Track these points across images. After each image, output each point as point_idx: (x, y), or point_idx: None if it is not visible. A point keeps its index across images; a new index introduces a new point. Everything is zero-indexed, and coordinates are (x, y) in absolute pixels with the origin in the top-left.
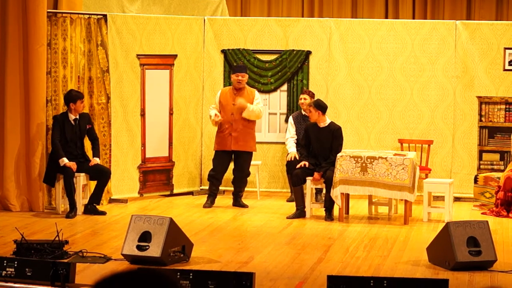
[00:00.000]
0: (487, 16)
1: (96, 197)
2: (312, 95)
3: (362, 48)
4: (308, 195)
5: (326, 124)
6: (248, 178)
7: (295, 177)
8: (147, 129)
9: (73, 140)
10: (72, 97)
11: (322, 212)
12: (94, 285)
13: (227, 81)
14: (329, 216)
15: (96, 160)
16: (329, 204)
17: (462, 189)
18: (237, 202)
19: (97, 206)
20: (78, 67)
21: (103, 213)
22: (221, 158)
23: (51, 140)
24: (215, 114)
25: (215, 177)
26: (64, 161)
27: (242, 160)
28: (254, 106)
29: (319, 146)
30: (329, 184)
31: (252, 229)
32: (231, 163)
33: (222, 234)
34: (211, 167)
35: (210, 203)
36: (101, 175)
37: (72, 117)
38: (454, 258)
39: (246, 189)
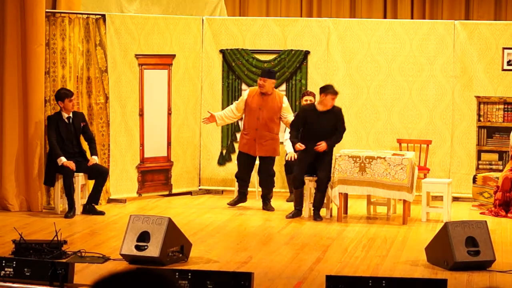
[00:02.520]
0: (485, 16)
1: (94, 197)
2: (314, 96)
3: (361, 48)
4: (307, 196)
5: (329, 108)
6: (251, 179)
7: (297, 181)
8: (146, 129)
9: (69, 138)
10: (60, 95)
11: (321, 212)
12: (93, 285)
13: (225, 81)
14: (318, 215)
15: (94, 159)
16: (318, 204)
17: (461, 189)
18: (265, 206)
19: (96, 206)
20: (76, 67)
21: (101, 213)
22: (245, 159)
23: (48, 141)
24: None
25: (240, 178)
26: (62, 160)
27: (266, 162)
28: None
29: (320, 129)
30: (321, 184)
31: (251, 229)
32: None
33: (220, 234)
34: (210, 167)
35: (234, 202)
36: (99, 175)
37: (65, 115)
38: (453, 258)
39: None
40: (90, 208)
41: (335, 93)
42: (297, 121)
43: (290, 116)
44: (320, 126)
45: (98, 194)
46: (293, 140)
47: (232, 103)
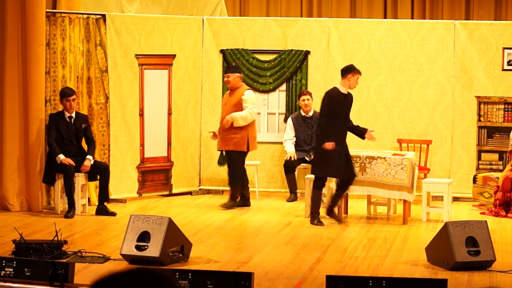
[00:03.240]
0: (486, 16)
1: (103, 195)
2: (311, 95)
3: (361, 48)
4: (306, 194)
5: (352, 89)
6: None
7: (322, 181)
8: (146, 129)
9: (69, 137)
10: (60, 94)
11: (322, 212)
12: (93, 285)
13: None
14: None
15: (88, 159)
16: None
17: (461, 189)
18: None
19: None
20: (77, 67)
21: (113, 213)
22: (222, 159)
23: (47, 140)
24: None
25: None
26: (60, 157)
27: (230, 158)
28: (236, 114)
29: (347, 114)
30: (347, 184)
31: (251, 229)
32: None
33: (221, 234)
34: (210, 167)
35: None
36: (100, 172)
37: (67, 114)
38: (453, 258)
39: None
40: (102, 209)
41: (361, 73)
42: (334, 108)
43: (248, 106)
44: (347, 110)
45: (106, 192)
46: (327, 132)
47: None
